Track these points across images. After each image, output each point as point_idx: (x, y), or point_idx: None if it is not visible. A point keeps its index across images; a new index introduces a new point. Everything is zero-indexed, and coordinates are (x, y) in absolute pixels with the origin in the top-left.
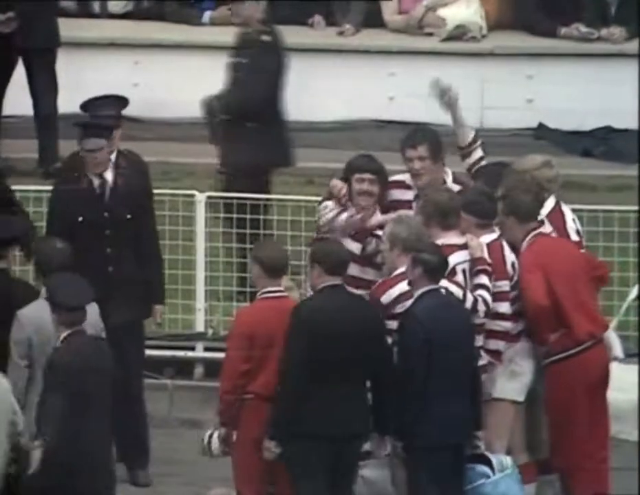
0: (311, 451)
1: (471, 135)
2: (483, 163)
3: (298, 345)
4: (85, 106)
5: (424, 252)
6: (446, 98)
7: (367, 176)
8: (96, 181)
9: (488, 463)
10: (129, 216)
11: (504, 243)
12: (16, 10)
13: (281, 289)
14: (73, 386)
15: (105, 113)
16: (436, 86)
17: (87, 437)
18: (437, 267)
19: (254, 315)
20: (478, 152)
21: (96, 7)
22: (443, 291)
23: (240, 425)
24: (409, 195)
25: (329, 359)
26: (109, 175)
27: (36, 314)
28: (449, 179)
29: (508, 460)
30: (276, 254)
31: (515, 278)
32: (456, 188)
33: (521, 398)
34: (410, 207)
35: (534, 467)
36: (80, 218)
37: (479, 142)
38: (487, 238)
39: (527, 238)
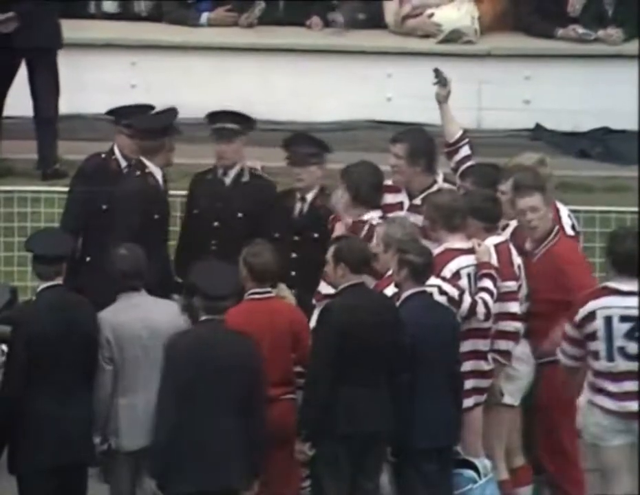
0: (338, 450)
1: (459, 132)
2: (469, 162)
3: (328, 345)
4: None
5: (410, 254)
6: (446, 90)
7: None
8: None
9: (474, 467)
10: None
11: (511, 246)
12: (15, 10)
13: (268, 290)
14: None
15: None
16: (440, 75)
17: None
18: (423, 268)
19: (241, 315)
20: (465, 150)
21: (92, 7)
22: (435, 289)
23: None
24: (399, 198)
25: (359, 358)
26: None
27: (111, 315)
28: (440, 178)
29: (488, 463)
30: (265, 260)
31: (521, 281)
32: (447, 186)
33: (516, 402)
34: (401, 209)
35: (530, 469)
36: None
37: (466, 140)
38: (495, 240)
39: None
